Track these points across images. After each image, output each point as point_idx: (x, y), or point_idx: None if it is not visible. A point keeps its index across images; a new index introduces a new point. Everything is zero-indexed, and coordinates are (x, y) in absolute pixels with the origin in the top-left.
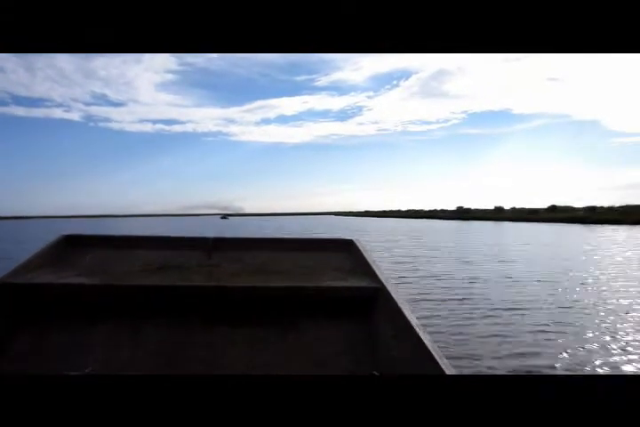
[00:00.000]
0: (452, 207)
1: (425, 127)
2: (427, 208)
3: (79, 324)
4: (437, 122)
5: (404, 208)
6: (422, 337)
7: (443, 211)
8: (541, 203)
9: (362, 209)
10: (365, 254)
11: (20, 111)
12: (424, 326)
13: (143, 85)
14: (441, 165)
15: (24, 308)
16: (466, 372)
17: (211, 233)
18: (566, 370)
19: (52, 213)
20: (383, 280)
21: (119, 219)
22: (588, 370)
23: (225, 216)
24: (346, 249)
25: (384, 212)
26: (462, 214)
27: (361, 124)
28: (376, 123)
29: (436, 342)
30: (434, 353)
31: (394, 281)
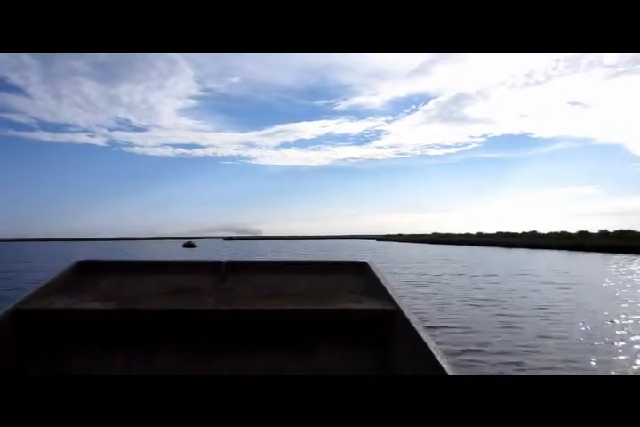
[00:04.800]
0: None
1: (443, 151)
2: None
3: (95, 349)
4: (456, 146)
5: (435, 232)
6: (440, 361)
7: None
8: (566, 228)
9: (385, 232)
10: (379, 276)
11: (45, 136)
12: (442, 349)
13: (165, 111)
14: (461, 188)
15: (39, 334)
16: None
17: None
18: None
19: (76, 235)
20: (398, 302)
21: (141, 241)
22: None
23: (191, 243)
24: (360, 271)
25: (423, 236)
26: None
27: (379, 147)
28: (394, 147)
29: (455, 365)
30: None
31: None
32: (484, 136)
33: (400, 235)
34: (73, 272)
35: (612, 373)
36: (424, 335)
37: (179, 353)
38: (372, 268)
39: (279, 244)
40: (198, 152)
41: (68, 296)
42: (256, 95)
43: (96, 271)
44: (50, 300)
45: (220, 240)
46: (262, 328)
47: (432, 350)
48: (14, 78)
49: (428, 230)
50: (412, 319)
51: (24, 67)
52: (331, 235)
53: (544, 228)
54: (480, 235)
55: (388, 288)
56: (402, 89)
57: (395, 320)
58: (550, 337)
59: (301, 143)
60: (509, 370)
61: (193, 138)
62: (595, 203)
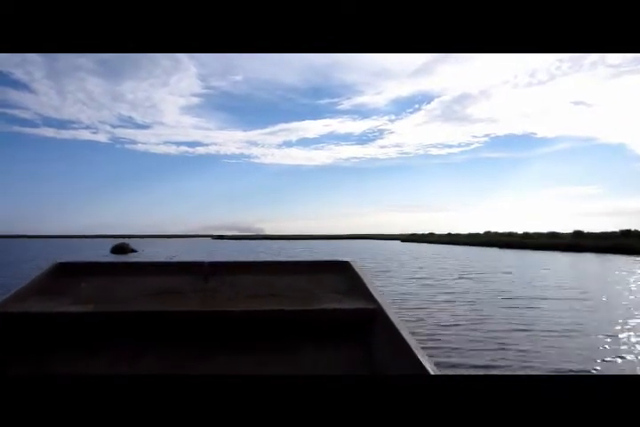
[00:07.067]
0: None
1: (446, 151)
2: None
3: (76, 353)
4: (459, 145)
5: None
6: (421, 359)
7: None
8: (565, 228)
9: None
10: (362, 276)
11: (49, 132)
12: (423, 348)
13: (168, 108)
14: (463, 188)
15: (18, 338)
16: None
17: None
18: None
19: (78, 232)
20: (380, 301)
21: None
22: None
23: (123, 247)
24: (342, 271)
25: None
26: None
27: (382, 147)
28: (397, 146)
29: (436, 364)
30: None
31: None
32: (486, 136)
33: (432, 234)
34: (52, 274)
35: (603, 373)
36: (406, 335)
37: (162, 356)
38: (355, 267)
39: (279, 245)
40: (201, 150)
41: (47, 299)
42: (259, 93)
43: (76, 273)
44: (28, 303)
45: (209, 239)
46: (245, 329)
47: (414, 349)
48: (19, 74)
49: (427, 230)
50: (394, 318)
51: (29, 63)
52: (339, 234)
53: (546, 228)
54: (580, 235)
55: (370, 287)
56: (405, 88)
57: (377, 319)
58: None
59: (304, 142)
60: None
61: (196, 136)
62: (597, 203)
